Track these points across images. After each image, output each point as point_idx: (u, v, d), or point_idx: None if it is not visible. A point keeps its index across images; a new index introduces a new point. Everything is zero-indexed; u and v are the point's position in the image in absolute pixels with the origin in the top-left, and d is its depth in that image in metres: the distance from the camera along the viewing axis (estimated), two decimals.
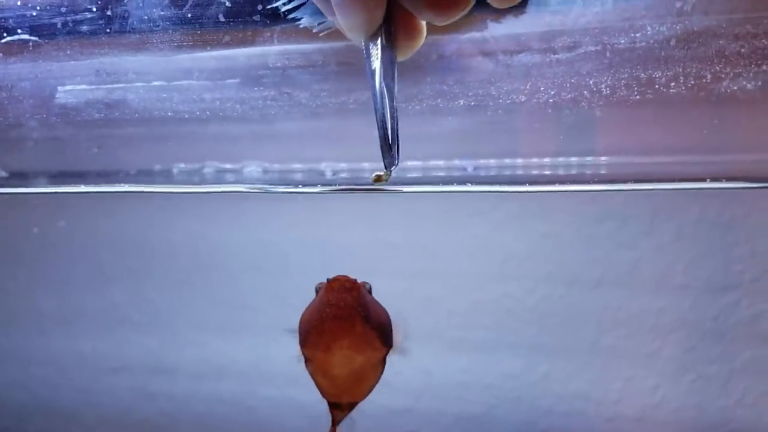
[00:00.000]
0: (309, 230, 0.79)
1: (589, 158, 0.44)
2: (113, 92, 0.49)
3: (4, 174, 0.68)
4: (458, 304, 0.76)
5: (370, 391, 0.44)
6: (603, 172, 0.50)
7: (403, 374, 0.79)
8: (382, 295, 0.77)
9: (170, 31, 0.40)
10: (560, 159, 0.58)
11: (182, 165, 0.62)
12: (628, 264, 0.70)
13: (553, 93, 0.38)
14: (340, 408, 0.45)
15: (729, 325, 0.69)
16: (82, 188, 0.68)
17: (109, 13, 0.42)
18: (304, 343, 0.41)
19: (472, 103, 0.39)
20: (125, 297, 0.84)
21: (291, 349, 0.79)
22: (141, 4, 0.42)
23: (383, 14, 0.28)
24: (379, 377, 0.43)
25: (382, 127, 0.32)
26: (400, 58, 0.31)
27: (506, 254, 0.73)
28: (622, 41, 0.36)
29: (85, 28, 0.42)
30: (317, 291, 0.40)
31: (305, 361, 0.42)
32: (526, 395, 0.75)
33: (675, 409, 0.72)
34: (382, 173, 0.35)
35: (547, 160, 0.58)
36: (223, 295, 0.81)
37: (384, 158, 0.33)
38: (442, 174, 0.60)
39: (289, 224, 0.79)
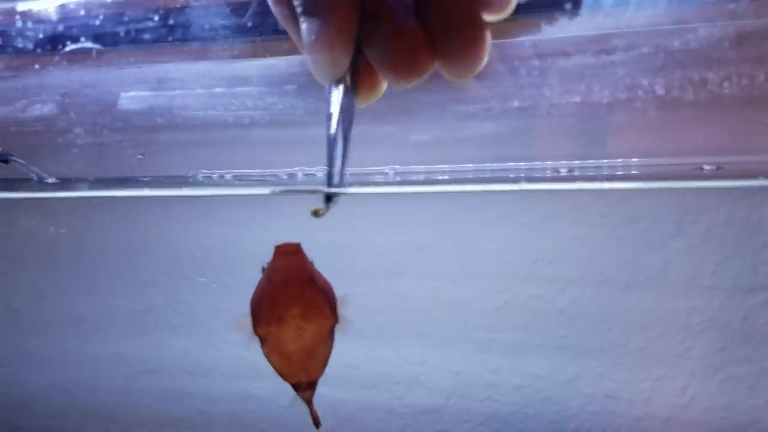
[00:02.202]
0: (338, 233, 0.80)
1: (620, 160, 0.45)
2: (163, 99, 0.51)
3: (52, 180, 0.71)
4: (487, 306, 0.77)
5: (323, 367, 0.46)
6: (633, 173, 0.52)
7: (432, 374, 0.80)
8: (410, 296, 0.79)
9: (230, 40, 0.42)
10: (590, 161, 0.59)
11: (220, 171, 0.64)
12: (657, 265, 0.71)
13: (592, 95, 0.40)
14: (302, 388, 0.47)
15: (758, 325, 0.70)
16: (114, 193, 0.70)
17: (171, 22, 0.44)
18: (257, 321, 0.42)
19: (526, 104, 0.41)
20: (162, 300, 0.87)
21: None
22: (202, 14, 0.44)
23: (348, 63, 0.30)
24: (330, 353, 0.45)
25: (330, 167, 0.35)
26: (359, 105, 0.33)
27: (535, 256, 0.75)
28: (664, 44, 0.38)
29: (143, 37, 0.44)
30: (263, 271, 0.42)
31: (261, 344, 0.43)
32: (556, 396, 0.76)
33: (704, 409, 0.72)
34: (320, 208, 0.38)
35: (576, 162, 0.59)
36: None
37: (326, 195, 0.36)
38: (470, 175, 0.61)
39: (317, 227, 0.80)
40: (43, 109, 0.51)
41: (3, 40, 0.41)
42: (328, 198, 0.36)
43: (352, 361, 0.82)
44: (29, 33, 0.41)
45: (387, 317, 0.80)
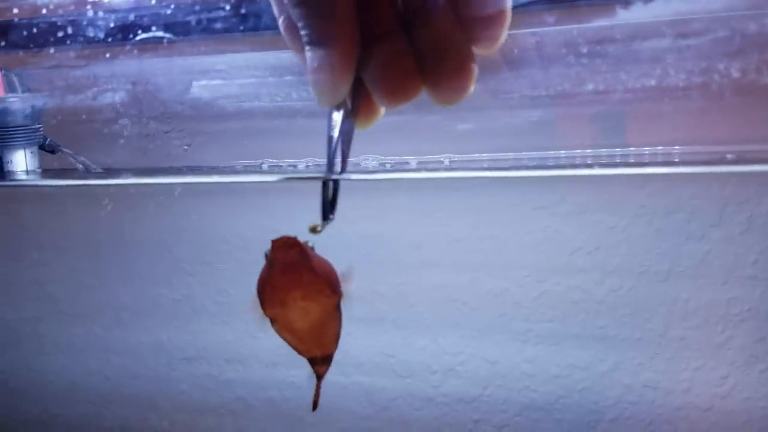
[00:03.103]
0: (376, 224, 0.81)
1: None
2: (219, 89, 0.52)
3: (99, 170, 0.72)
4: (524, 296, 0.77)
5: (336, 341, 0.47)
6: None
7: (469, 364, 0.81)
8: (447, 286, 0.79)
9: (272, 31, 0.43)
10: (631, 149, 0.59)
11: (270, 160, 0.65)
12: (697, 255, 0.71)
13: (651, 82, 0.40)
14: (318, 363, 0.48)
15: None
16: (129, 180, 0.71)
17: (214, 14, 0.45)
18: (263, 305, 0.43)
19: (601, 87, 0.41)
20: (201, 289, 0.88)
21: (360, 337, 0.82)
22: (244, 5, 0.45)
23: (348, 89, 0.32)
24: (340, 326, 0.46)
25: (329, 188, 0.37)
26: (359, 128, 0.35)
27: (573, 247, 0.75)
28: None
29: (209, 27, 0.45)
30: (266, 257, 0.43)
31: (271, 323, 0.44)
32: (594, 386, 0.76)
33: (744, 399, 0.72)
34: (318, 225, 0.38)
35: (618, 150, 0.59)
36: None
37: (323, 213, 0.38)
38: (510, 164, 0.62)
39: (355, 218, 0.81)
40: (115, 97, 0.53)
41: (73, 29, 0.42)
42: (325, 216, 0.38)
43: (388, 350, 0.83)
44: (100, 22, 0.42)
45: (424, 307, 0.81)
